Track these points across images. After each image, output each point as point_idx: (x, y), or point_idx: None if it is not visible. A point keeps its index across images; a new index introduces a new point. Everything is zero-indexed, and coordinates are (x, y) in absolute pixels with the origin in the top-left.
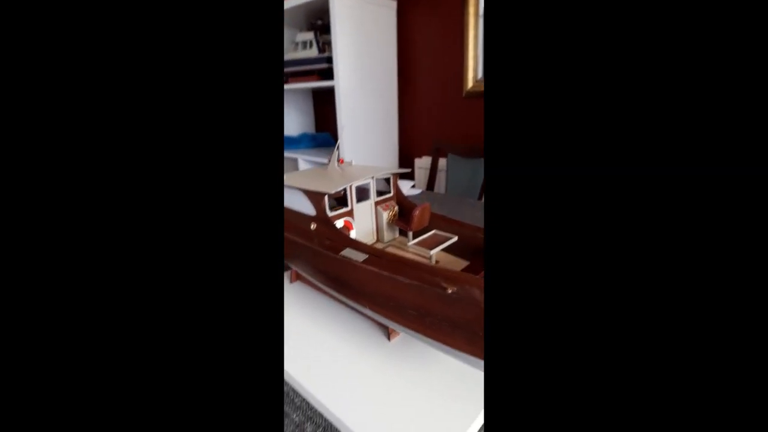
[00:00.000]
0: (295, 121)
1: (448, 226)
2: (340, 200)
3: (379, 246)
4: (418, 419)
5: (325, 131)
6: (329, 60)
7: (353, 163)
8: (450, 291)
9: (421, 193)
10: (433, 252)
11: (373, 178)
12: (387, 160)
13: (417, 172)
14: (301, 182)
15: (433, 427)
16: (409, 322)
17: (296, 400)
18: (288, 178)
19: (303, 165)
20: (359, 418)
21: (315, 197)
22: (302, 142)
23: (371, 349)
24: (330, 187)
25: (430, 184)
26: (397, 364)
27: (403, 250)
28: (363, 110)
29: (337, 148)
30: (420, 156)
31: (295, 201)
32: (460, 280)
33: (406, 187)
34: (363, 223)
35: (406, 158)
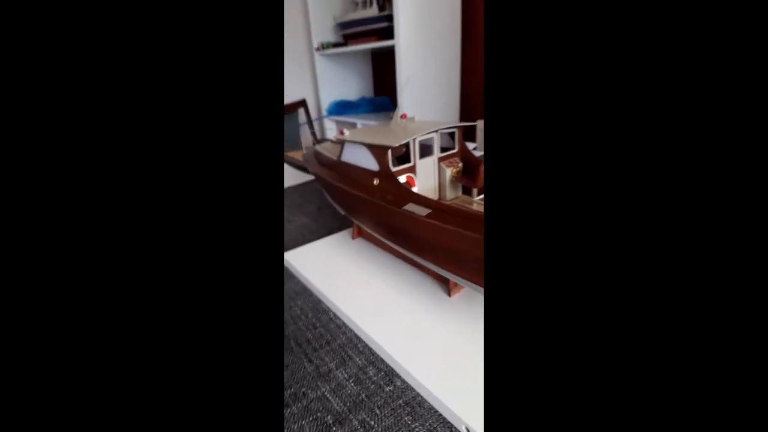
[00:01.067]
0: (354, 84)
1: None
2: (402, 158)
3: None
4: (473, 369)
5: (383, 95)
6: (389, 18)
7: (416, 118)
8: None
9: (483, 155)
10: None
11: (437, 131)
12: (449, 118)
13: (478, 135)
14: (364, 137)
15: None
16: (472, 275)
17: (359, 345)
18: (352, 134)
19: None
20: (419, 364)
21: (378, 152)
22: (361, 106)
23: (432, 304)
24: (393, 141)
25: None
26: (456, 318)
27: (467, 207)
28: (423, 71)
29: (398, 111)
30: (482, 118)
31: (358, 156)
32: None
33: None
34: (425, 179)
35: (467, 120)
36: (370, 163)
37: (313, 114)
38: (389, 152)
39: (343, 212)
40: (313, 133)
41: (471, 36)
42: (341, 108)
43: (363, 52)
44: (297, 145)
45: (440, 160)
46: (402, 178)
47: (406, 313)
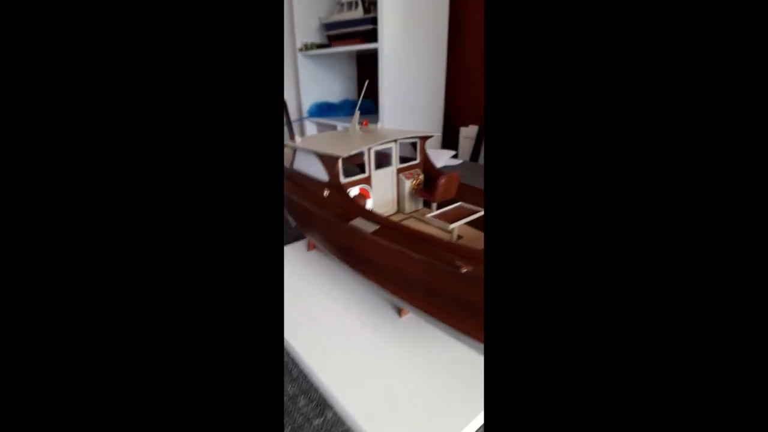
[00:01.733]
0: (338, 86)
1: (477, 199)
2: (361, 167)
3: (398, 217)
4: (419, 406)
5: (368, 98)
6: (374, 21)
7: (380, 126)
8: (464, 270)
9: (463, 163)
10: (454, 225)
11: (395, 141)
12: (430, 128)
13: (462, 142)
14: (315, 145)
15: (433, 417)
16: (418, 300)
17: (294, 372)
18: (303, 141)
19: None
20: (356, 397)
21: (328, 161)
22: (343, 108)
23: (380, 325)
24: (344, 150)
25: (475, 155)
26: (405, 343)
27: (424, 222)
28: (407, 75)
29: (359, 108)
30: (466, 125)
31: (309, 165)
32: (476, 259)
33: (445, 157)
34: (382, 191)
35: (451, 127)
36: (320, 173)
37: (294, 115)
38: (339, 162)
39: (294, 224)
40: (292, 136)
41: (457, 43)
42: (323, 110)
43: (348, 55)
44: None
45: (399, 171)
46: (355, 190)
47: (351, 334)
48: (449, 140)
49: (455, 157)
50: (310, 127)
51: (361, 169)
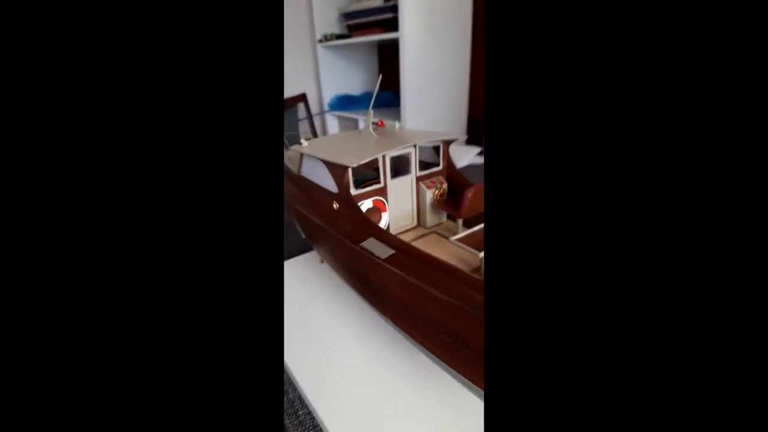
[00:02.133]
0: (359, 78)
1: None
2: (375, 173)
3: (418, 232)
4: None
5: (389, 89)
6: (395, 9)
7: (398, 126)
8: None
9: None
10: (484, 254)
11: (414, 146)
12: (454, 122)
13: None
14: (323, 150)
15: None
16: (439, 348)
17: (300, 413)
18: (311, 145)
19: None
20: None
21: (337, 171)
22: (364, 101)
23: (395, 359)
24: (354, 158)
25: None
26: (421, 384)
27: (447, 242)
28: (430, 65)
29: (372, 105)
30: None
31: (317, 173)
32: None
33: (470, 155)
34: (400, 202)
35: (476, 120)
36: (329, 182)
37: (315, 109)
38: (349, 172)
39: (303, 236)
40: (313, 130)
41: (482, 31)
42: (344, 103)
43: (369, 45)
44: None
45: (420, 179)
46: (369, 202)
47: (361, 368)
48: (474, 135)
49: (481, 154)
50: (331, 121)
51: (376, 176)
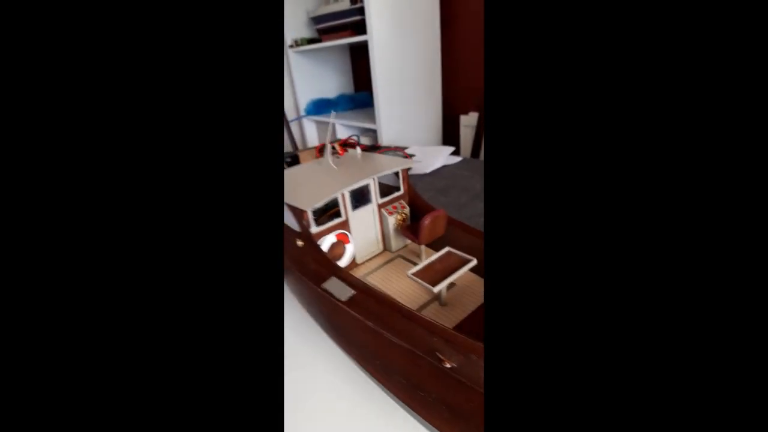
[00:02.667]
0: (332, 81)
1: (469, 239)
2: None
3: (385, 257)
4: None
5: (364, 90)
6: (362, 11)
7: (359, 152)
8: (449, 365)
9: (463, 161)
10: (439, 288)
11: (373, 179)
12: (429, 119)
13: (462, 132)
14: (285, 190)
15: None
16: (399, 390)
17: None
18: None
19: (340, 131)
20: None
21: (297, 211)
22: (340, 103)
23: (374, 406)
24: (313, 199)
25: (476, 150)
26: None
27: (412, 264)
28: (401, 65)
29: (331, 130)
30: (466, 112)
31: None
32: (464, 348)
33: (444, 155)
34: (363, 232)
35: (450, 117)
36: (292, 221)
37: (291, 114)
38: (309, 213)
39: None
40: (291, 138)
41: (451, 27)
42: (320, 107)
43: (340, 48)
44: None
45: (381, 206)
46: (332, 237)
47: (341, 417)
48: (449, 130)
49: (455, 153)
50: (309, 126)
51: (336, 206)
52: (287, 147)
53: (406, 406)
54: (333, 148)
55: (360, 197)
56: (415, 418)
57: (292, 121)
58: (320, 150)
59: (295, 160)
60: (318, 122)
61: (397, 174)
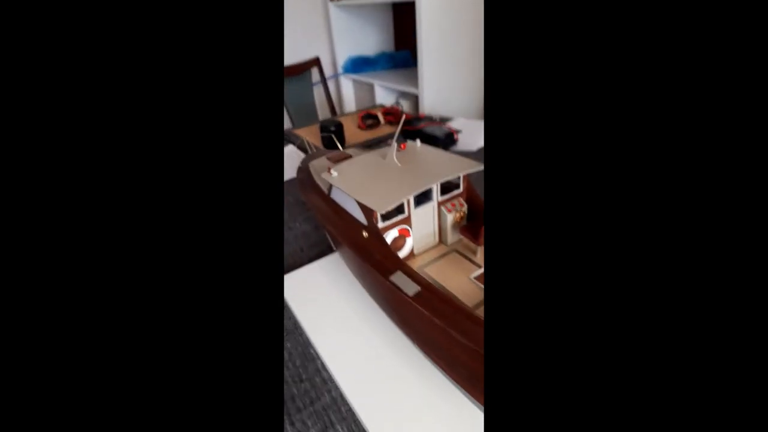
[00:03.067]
0: (373, 38)
1: None
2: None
3: (438, 252)
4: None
5: (405, 49)
6: None
7: (419, 145)
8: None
9: None
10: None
11: (437, 185)
12: (475, 88)
13: None
14: (351, 185)
15: None
16: (461, 380)
17: (343, 409)
18: (339, 174)
19: (379, 93)
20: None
21: (366, 209)
22: (379, 62)
23: (432, 376)
24: (382, 203)
25: None
26: (462, 402)
27: (466, 262)
28: (446, 25)
29: (396, 137)
30: None
31: (346, 200)
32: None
33: None
34: (423, 227)
35: None
36: (358, 212)
37: (329, 71)
38: (378, 213)
39: (334, 248)
40: (328, 95)
41: None
42: (358, 65)
43: (383, 4)
44: (312, 114)
45: (441, 203)
46: (394, 232)
47: (395, 381)
48: None
49: None
50: (346, 84)
51: (402, 211)
52: (324, 111)
53: (466, 393)
54: (398, 145)
55: (422, 197)
56: (475, 405)
57: (329, 77)
58: (362, 118)
59: (339, 129)
60: (355, 81)
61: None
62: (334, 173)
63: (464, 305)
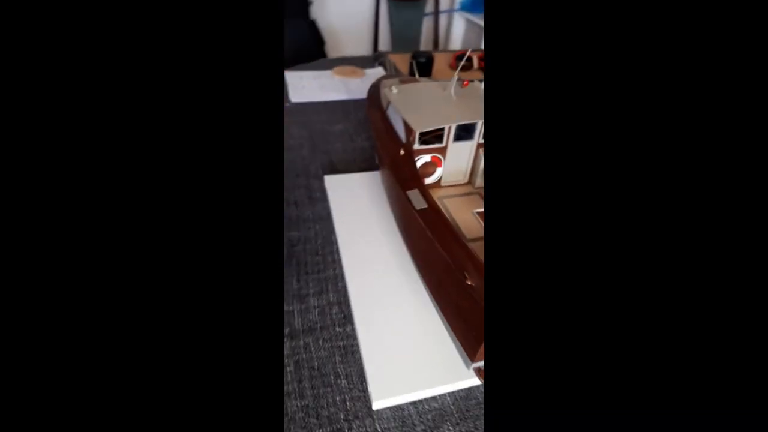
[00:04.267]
0: None
1: None
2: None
3: (464, 190)
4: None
5: None
6: None
7: (482, 85)
8: (469, 283)
9: None
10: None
11: (481, 125)
12: None
13: None
14: (404, 104)
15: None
16: (432, 287)
17: (339, 285)
18: (398, 93)
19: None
20: (371, 333)
21: (407, 126)
22: None
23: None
24: (424, 122)
25: None
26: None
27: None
28: None
29: (458, 70)
30: None
31: (396, 119)
32: (482, 275)
33: None
34: (456, 162)
35: None
36: (401, 131)
37: (445, 5)
38: (416, 133)
39: (378, 166)
40: (436, 30)
41: None
42: (477, 4)
43: None
44: (415, 43)
45: (481, 146)
46: (427, 157)
47: (391, 287)
48: None
49: None
50: (458, 23)
51: (440, 136)
52: (428, 44)
53: (433, 300)
54: (459, 80)
55: (464, 132)
56: (436, 310)
57: (443, 12)
58: (456, 58)
59: (429, 61)
60: (468, 20)
61: None
62: (394, 90)
63: (456, 230)
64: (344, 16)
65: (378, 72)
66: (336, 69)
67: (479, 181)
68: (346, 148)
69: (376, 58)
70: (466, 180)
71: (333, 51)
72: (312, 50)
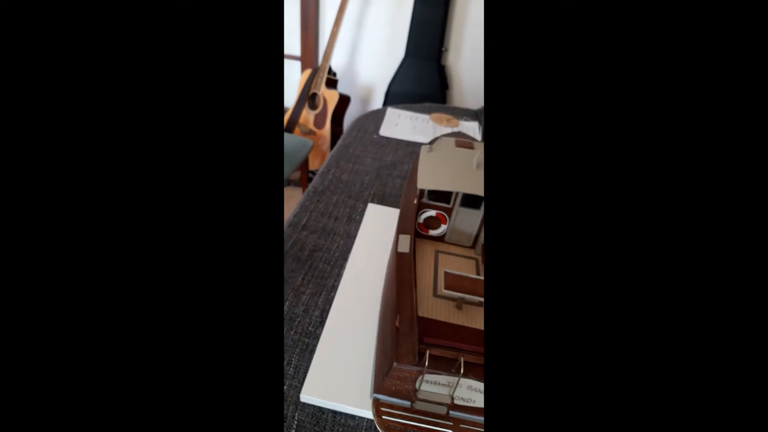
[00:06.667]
0: None
1: None
2: (446, 199)
3: (466, 252)
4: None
5: None
6: None
7: None
8: (397, 324)
9: None
10: (451, 295)
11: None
12: None
13: None
14: (429, 160)
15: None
16: (380, 321)
17: (331, 296)
18: (432, 151)
19: None
20: (334, 342)
21: (415, 184)
22: None
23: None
24: (431, 182)
25: None
26: None
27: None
28: None
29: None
30: None
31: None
32: (411, 322)
33: None
34: (463, 225)
35: None
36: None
37: None
38: (419, 190)
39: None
40: None
41: None
42: None
43: None
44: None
45: None
46: (432, 212)
47: (363, 310)
48: None
49: None
50: None
51: (448, 198)
52: None
53: (378, 331)
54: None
55: (472, 201)
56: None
57: None
58: None
59: None
60: None
61: None
62: (430, 150)
63: (413, 284)
64: (476, 68)
65: (473, 126)
66: (433, 115)
67: (480, 249)
68: (402, 186)
69: (478, 114)
70: (470, 244)
71: (457, 99)
72: (435, 93)
